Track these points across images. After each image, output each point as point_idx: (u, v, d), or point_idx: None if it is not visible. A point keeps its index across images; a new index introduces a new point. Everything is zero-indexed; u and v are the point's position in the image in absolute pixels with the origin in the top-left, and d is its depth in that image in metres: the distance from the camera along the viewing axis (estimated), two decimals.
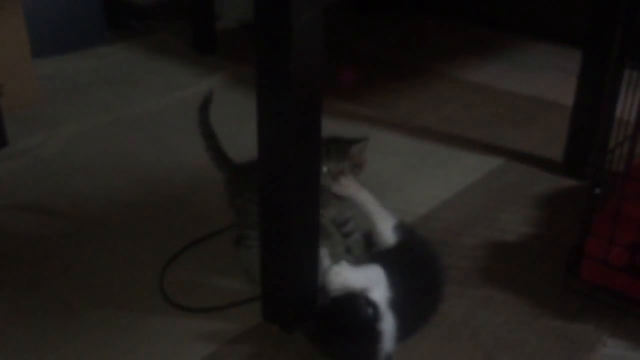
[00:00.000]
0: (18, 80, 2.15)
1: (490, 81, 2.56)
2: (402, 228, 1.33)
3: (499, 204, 1.72)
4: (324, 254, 1.30)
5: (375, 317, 1.13)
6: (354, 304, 1.14)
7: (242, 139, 2.03)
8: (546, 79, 2.60)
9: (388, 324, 1.15)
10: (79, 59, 2.60)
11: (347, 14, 3.16)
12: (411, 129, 2.14)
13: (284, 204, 1.17)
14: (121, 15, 2.87)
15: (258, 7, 1.08)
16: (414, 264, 1.28)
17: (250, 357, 1.21)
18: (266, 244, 1.25)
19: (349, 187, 1.30)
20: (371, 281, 1.17)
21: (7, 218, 1.62)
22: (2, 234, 1.55)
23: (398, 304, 1.18)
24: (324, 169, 1.26)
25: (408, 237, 1.32)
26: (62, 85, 2.38)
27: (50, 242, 1.53)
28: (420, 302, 1.27)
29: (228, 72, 2.51)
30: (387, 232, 1.28)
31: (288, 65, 1.06)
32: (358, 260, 1.26)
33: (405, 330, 1.21)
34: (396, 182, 1.80)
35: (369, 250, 1.33)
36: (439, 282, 1.32)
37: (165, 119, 2.16)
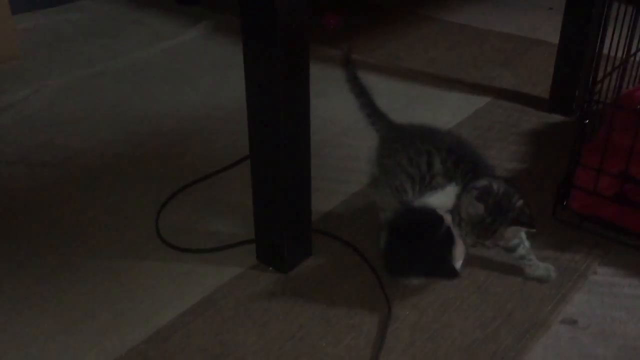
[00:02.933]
0: None
1: (474, 22, 2.54)
2: None
3: (487, 141, 1.73)
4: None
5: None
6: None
7: (228, 86, 2.03)
8: (530, 17, 2.59)
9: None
10: (60, 13, 2.56)
11: None
12: (397, 71, 2.13)
13: (274, 147, 1.17)
14: None
15: None
16: None
17: (247, 298, 1.22)
18: (258, 186, 1.25)
19: None
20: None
21: None
22: None
23: None
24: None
25: None
26: (44, 39, 2.35)
27: (41, 194, 1.52)
28: None
29: (211, 21, 2.48)
30: None
31: (273, 3, 1.05)
32: None
33: None
34: None
35: None
36: None
37: (151, 70, 2.14)
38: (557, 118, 1.84)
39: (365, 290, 1.24)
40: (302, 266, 1.30)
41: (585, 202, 1.38)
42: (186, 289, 1.24)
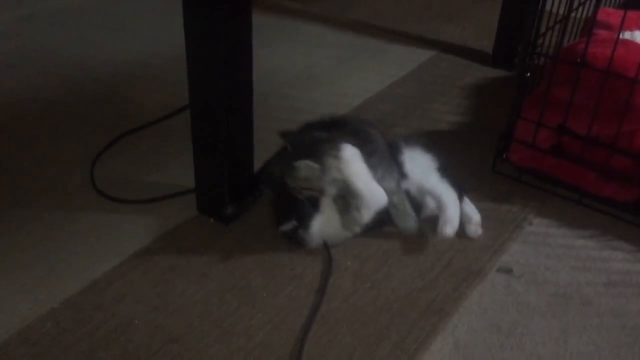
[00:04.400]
0: None
1: None
2: None
3: (432, 94, 1.73)
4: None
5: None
6: None
7: (167, 34, 1.96)
8: None
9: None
10: None
11: None
12: (344, 22, 2.10)
13: (214, 97, 1.14)
14: None
15: None
16: None
17: (186, 250, 1.20)
18: (198, 136, 1.21)
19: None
20: None
21: None
22: None
23: None
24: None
25: None
26: None
27: None
28: None
29: None
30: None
31: None
32: None
33: None
34: (329, 76, 1.78)
35: None
36: None
37: (86, 14, 2.05)
38: (500, 72, 1.86)
39: None
40: (244, 217, 1.28)
41: (524, 154, 1.40)
42: (123, 241, 1.21)
